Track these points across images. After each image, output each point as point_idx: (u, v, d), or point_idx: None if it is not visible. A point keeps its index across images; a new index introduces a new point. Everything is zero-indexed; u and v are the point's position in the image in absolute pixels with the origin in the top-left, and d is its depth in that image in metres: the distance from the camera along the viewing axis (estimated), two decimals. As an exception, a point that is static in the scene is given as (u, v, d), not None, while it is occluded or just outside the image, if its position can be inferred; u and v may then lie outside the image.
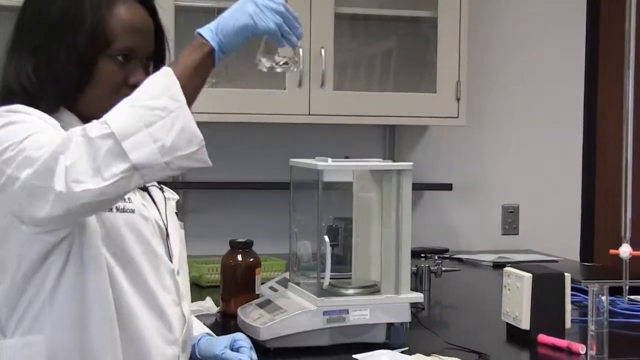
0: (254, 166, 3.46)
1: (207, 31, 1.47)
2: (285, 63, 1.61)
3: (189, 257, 2.70)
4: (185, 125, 1.38)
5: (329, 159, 1.91)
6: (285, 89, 3.15)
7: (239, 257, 2.24)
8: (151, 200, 1.67)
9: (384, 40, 3.51)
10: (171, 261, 1.65)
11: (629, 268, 1.62)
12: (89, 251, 1.50)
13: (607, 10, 3.78)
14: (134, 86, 1.49)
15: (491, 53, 3.71)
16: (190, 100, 1.41)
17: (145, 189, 1.66)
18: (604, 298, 1.44)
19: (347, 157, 2.20)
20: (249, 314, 1.96)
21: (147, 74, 1.57)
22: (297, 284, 2.01)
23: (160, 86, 1.41)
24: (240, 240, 2.25)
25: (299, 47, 1.60)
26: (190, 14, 3.19)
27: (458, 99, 3.30)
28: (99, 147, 1.34)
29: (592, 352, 1.44)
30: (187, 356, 1.70)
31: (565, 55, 3.80)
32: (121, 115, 1.38)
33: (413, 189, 1.94)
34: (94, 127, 1.36)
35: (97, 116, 1.45)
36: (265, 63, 1.60)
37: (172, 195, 2.63)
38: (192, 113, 1.41)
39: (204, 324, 2.18)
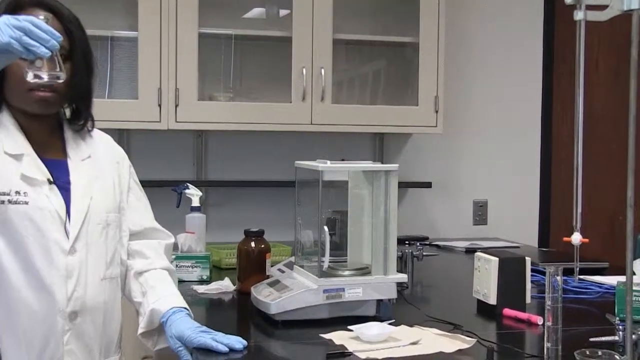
0: (266, 167, 3.46)
1: None
2: (47, 74, 1.46)
3: (210, 244, 2.72)
4: None
5: (328, 161, 1.91)
6: (291, 102, 3.14)
7: (253, 244, 2.23)
8: (59, 194, 1.65)
9: (374, 62, 3.52)
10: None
11: (579, 253, 1.62)
12: None
13: (560, 40, 3.78)
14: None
15: (465, 72, 3.71)
16: None
17: (51, 182, 1.64)
18: (558, 278, 1.44)
19: (343, 160, 2.20)
20: (261, 291, 1.96)
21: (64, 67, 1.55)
22: (301, 266, 2.01)
23: None
24: (253, 229, 2.25)
25: (54, 56, 1.44)
26: (212, 39, 3.19)
27: (436, 111, 3.30)
28: None
29: (549, 323, 1.44)
30: (93, 322, 1.67)
31: (525, 76, 3.79)
32: None
33: (398, 187, 1.94)
34: None
35: (23, 108, 1.61)
36: (27, 74, 1.47)
37: (196, 192, 2.63)
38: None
39: (223, 300, 2.20)
